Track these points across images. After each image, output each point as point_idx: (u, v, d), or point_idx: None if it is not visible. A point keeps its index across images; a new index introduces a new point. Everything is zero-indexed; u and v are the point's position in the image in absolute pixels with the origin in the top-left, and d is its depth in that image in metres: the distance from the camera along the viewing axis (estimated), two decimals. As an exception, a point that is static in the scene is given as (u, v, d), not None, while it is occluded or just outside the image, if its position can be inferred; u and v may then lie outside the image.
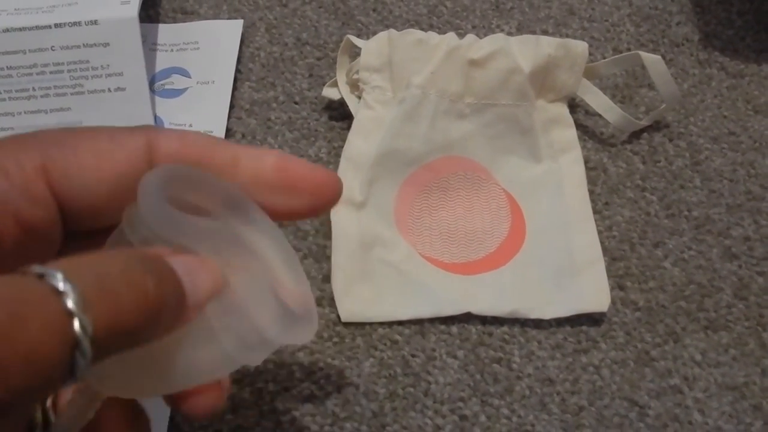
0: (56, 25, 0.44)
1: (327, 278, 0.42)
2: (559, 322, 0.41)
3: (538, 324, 0.41)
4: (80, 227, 0.21)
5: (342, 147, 0.45)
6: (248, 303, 0.21)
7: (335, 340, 0.41)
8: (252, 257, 0.22)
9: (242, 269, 0.21)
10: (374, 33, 0.49)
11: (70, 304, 0.17)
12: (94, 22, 0.45)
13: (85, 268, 0.17)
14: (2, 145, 0.20)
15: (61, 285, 0.17)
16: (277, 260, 0.23)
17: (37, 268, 0.17)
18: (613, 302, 0.42)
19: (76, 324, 0.17)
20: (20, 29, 0.44)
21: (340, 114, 0.48)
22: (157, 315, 0.18)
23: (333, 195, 0.24)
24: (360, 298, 0.41)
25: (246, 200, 0.23)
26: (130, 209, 0.20)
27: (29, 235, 0.20)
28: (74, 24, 0.44)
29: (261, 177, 0.23)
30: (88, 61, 0.45)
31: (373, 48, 0.45)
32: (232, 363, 0.22)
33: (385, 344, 0.41)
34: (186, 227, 0.20)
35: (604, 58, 0.51)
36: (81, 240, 0.22)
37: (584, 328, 0.41)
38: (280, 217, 0.24)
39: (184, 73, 0.49)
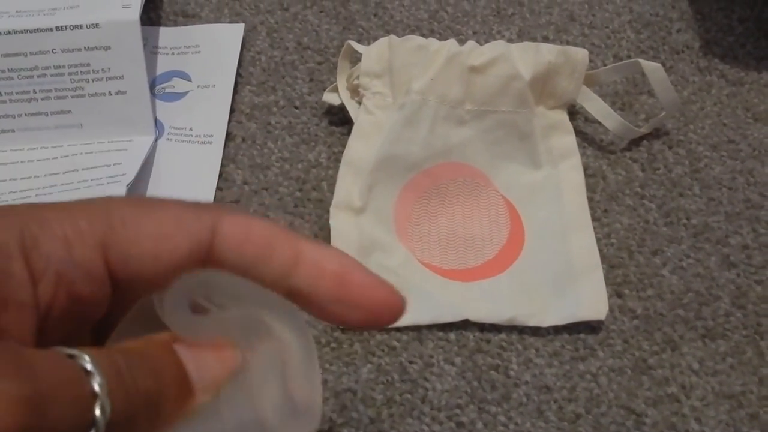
0: (57, 28, 0.44)
1: (325, 283, 0.42)
2: (557, 330, 0.41)
3: (536, 331, 0.41)
4: (126, 301, 0.22)
5: (341, 152, 0.45)
6: (255, 388, 0.21)
7: (333, 345, 0.41)
8: (273, 342, 0.22)
9: (261, 354, 0.22)
10: (375, 38, 0.49)
11: (96, 386, 0.17)
12: (96, 26, 0.45)
13: (105, 356, 0.18)
14: (65, 208, 0.20)
15: (89, 366, 0.18)
16: (295, 350, 0.23)
17: (65, 350, 0.18)
18: (611, 310, 0.42)
19: (98, 409, 0.17)
20: (21, 32, 0.44)
21: (340, 119, 0.48)
22: (157, 403, 0.19)
23: (392, 317, 0.23)
24: (358, 304, 0.41)
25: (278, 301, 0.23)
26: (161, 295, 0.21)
27: (77, 305, 0.20)
28: (75, 27, 0.45)
29: (319, 287, 0.22)
30: (88, 64, 0.45)
31: (374, 54, 0.45)
32: None
33: (382, 350, 0.41)
34: (205, 329, 0.21)
35: (605, 64, 0.51)
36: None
37: (582, 335, 0.41)
38: (328, 321, 0.24)
39: (185, 76, 0.50)
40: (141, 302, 0.22)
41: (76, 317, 0.21)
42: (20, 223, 0.19)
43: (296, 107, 0.49)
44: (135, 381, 0.19)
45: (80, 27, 0.45)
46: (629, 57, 0.52)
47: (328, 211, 0.44)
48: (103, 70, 0.45)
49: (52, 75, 0.45)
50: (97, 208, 0.21)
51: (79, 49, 0.45)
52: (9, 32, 0.44)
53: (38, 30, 0.44)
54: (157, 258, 0.21)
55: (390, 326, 0.41)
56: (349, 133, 0.47)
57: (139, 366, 0.19)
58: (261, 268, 0.22)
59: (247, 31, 0.52)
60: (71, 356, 0.18)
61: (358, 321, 0.23)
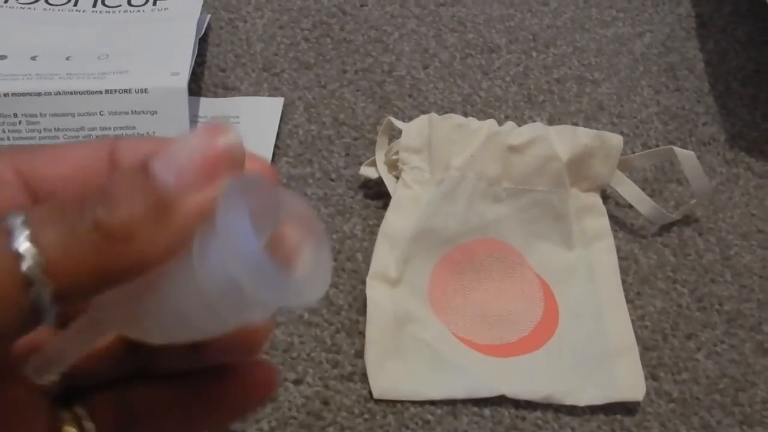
0: (107, 91, 0.46)
1: (360, 353, 0.42)
2: (593, 410, 0.41)
3: (572, 410, 0.41)
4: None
5: (376, 224, 0.46)
6: (228, 240, 0.18)
7: (366, 416, 0.40)
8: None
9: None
10: (410, 117, 0.50)
11: (19, 242, 0.17)
12: (144, 90, 0.46)
13: (45, 208, 0.18)
14: None
15: (12, 224, 0.17)
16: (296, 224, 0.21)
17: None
18: (647, 392, 0.41)
19: (25, 264, 0.17)
20: (71, 93, 0.45)
21: (375, 192, 0.49)
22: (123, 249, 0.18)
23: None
24: (393, 374, 0.41)
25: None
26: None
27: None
28: (124, 91, 0.46)
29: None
30: (134, 128, 0.46)
31: (414, 129, 0.46)
32: (217, 318, 0.20)
33: (416, 423, 0.40)
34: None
35: (634, 152, 0.52)
36: None
37: (618, 417, 0.41)
38: None
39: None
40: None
41: None
42: None
43: (332, 180, 0.50)
44: (86, 244, 0.17)
45: (129, 91, 0.46)
46: (657, 146, 0.53)
47: (362, 282, 0.44)
48: (147, 133, 0.46)
49: (97, 136, 0.46)
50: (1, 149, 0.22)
51: (126, 113, 0.46)
52: (59, 93, 0.45)
53: (88, 92, 0.46)
54: (61, 160, 0.21)
55: (424, 400, 0.40)
56: (383, 206, 0.47)
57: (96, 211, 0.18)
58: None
59: (285, 105, 0.53)
60: (9, 232, 0.17)
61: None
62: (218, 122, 0.19)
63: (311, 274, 0.20)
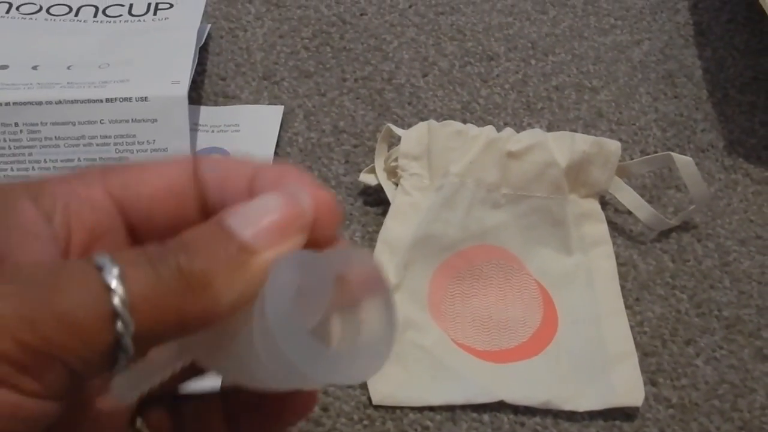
0: (107, 100, 0.46)
1: (359, 359, 0.42)
2: (592, 415, 0.41)
3: (571, 416, 0.41)
4: (140, 229, 0.23)
5: (375, 231, 0.46)
6: (273, 322, 0.19)
7: (365, 422, 0.40)
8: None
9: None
10: (410, 125, 0.50)
11: (110, 278, 0.18)
12: (144, 99, 0.46)
13: (131, 252, 0.19)
14: (69, 177, 0.22)
15: (101, 261, 0.18)
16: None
17: (94, 258, 0.18)
18: (646, 398, 0.41)
19: (116, 298, 0.17)
20: (72, 102, 0.46)
21: (374, 199, 0.49)
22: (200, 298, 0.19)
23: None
24: (392, 380, 0.41)
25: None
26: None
27: (95, 239, 0.22)
28: (125, 99, 0.46)
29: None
30: (134, 136, 0.46)
31: (413, 136, 0.46)
32: (274, 378, 0.21)
33: (415, 429, 0.40)
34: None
35: (632, 159, 0.52)
36: None
37: (617, 422, 0.41)
38: None
39: (224, 153, 0.51)
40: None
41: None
42: (23, 183, 0.21)
43: (332, 187, 0.50)
44: (169, 287, 0.18)
45: (129, 100, 0.46)
46: (656, 152, 0.53)
47: (362, 288, 0.44)
48: (148, 141, 0.46)
49: (98, 144, 0.46)
50: (91, 168, 0.23)
51: (127, 121, 0.46)
52: (60, 102, 0.46)
53: (89, 101, 0.46)
54: (149, 181, 0.22)
55: (423, 406, 0.40)
56: (383, 213, 0.47)
57: (179, 259, 0.19)
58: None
59: (285, 113, 0.53)
60: (99, 268, 0.18)
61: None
62: (294, 190, 0.21)
63: (367, 349, 0.21)
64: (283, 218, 0.20)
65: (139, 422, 0.24)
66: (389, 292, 0.22)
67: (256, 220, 0.20)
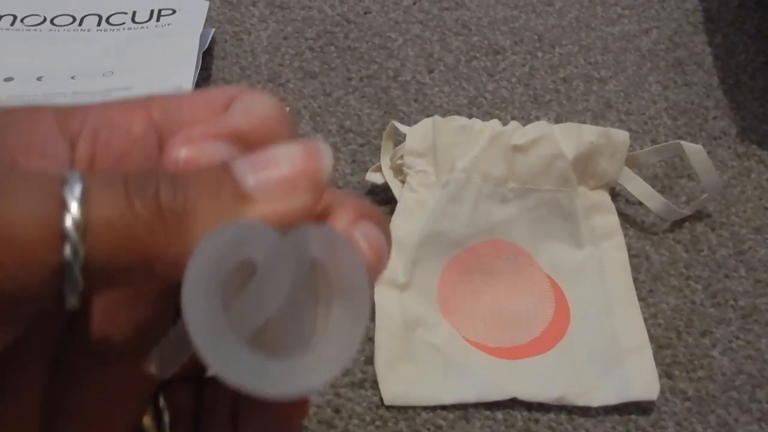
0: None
1: (370, 360, 0.42)
2: (607, 411, 0.40)
3: (585, 412, 0.40)
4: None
5: (384, 230, 0.46)
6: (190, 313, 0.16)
7: (378, 423, 0.40)
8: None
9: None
10: (416, 122, 0.50)
11: (68, 194, 0.15)
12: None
13: (111, 172, 0.17)
14: (110, 102, 0.20)
15: (69, 176, 0.16)
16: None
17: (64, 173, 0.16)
18: (662, 391, 0.41)
19: (69, 218, 0.15)
20: (76, 110, 0.46)
21: (382, 198, 0.49)
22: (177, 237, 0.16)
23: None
24: (403, 379, 0.40)
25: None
26: None
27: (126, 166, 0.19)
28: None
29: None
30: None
31: (418, 133, 0.46)
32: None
33: (428, 429, 0.40)
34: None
35: (642, 149, 0.52)
36: None
37: (633, 417, 0.40)
38: None
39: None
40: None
41: None
42: (57, 106, 0.19)
43: (339, 187, 0.50)
44: (138, 217, 0.16)
45: (133, 106, 0.46)
46: (667, 142, 0.52)
47: (371, 288, 0.44)
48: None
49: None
50: (137, 98, 0.20)
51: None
52: (65, 111, 0.46)
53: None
54: (191, 106, 0.20)
55: (436, 405, 0.40)
56: (390, 211, 0.47)
57: (153, 185, 0.16)
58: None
59: (291, 115, 0.53)
60: (63, 182, 0.15)
61: None
62: (317, 144, 0.18)
63: (317, 358, 0.18)
64: (296, 171, 0.17)
65: (161, 402, 0.23)
66: (366, 291, 0.18)
67: (266, 167, 0.17)
